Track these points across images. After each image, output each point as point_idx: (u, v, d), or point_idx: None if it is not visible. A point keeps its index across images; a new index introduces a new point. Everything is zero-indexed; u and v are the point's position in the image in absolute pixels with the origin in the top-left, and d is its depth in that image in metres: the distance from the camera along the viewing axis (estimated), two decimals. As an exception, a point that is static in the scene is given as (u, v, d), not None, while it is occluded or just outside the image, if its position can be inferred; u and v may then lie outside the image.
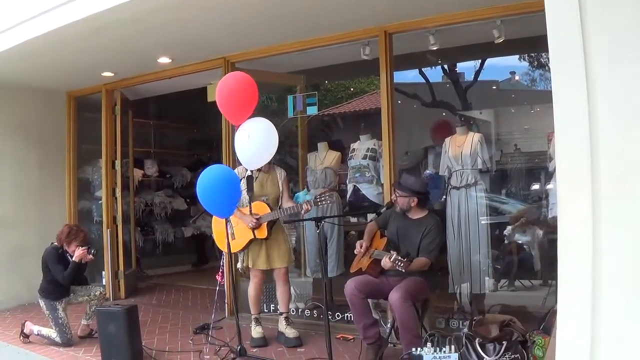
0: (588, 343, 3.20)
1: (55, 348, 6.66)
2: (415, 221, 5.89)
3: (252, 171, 6.47)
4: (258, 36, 7.11)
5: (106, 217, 9.34)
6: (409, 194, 5.83)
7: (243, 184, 6.50)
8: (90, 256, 6.81)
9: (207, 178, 5.82)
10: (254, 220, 6.36)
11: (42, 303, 6.81)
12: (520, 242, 7.94)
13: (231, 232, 6.46)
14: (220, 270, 6.14)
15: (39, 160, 9.68)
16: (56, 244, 6.85)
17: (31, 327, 6.93)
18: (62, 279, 6.65)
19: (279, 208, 6.49)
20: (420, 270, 5.62)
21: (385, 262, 5.46)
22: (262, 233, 6.43)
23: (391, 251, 5.50)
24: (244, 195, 6.51)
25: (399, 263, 5.29)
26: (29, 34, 6.70)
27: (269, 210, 6.40)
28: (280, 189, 6.64)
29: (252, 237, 6.45)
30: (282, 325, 6.71)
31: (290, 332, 6.61)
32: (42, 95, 9.61)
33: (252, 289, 6.73)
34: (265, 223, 6.40)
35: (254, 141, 6.02)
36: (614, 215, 3.10)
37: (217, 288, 6.19)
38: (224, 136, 8.02)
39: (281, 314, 6.74)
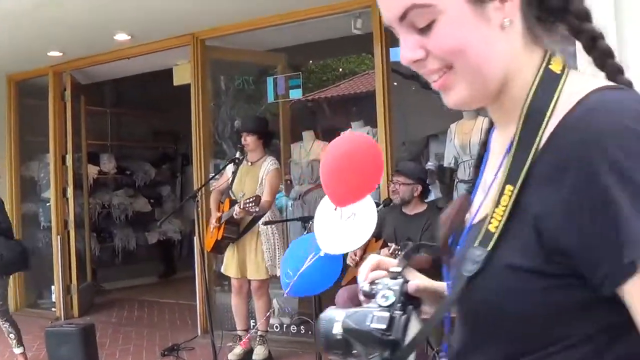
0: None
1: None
2: (413, 217, 5.52)
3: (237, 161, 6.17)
4: (231, 8, 6.64)
5: (56, 222, 8.74)
6: (413, 181, 5.44)
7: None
8: None
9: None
10: (213, 222, 6.20)
11: None
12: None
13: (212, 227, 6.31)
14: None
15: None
16: None
17: None
18: None
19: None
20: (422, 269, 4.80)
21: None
22: (219, 234, 6.14)
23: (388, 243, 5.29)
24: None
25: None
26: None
27: None
28: (261, 185, 6.16)
29: (216, 237, 6.21)
30: (254, 343, 6.37)
31: (258, 353, 6.21)
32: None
33: (232, 299, 6.44)
34: (240, 224, 6.10)
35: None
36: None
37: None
38: (193, 126, 7.44)
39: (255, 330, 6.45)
